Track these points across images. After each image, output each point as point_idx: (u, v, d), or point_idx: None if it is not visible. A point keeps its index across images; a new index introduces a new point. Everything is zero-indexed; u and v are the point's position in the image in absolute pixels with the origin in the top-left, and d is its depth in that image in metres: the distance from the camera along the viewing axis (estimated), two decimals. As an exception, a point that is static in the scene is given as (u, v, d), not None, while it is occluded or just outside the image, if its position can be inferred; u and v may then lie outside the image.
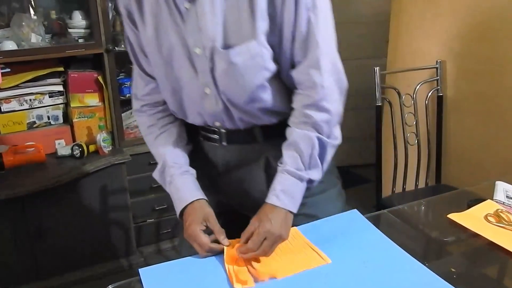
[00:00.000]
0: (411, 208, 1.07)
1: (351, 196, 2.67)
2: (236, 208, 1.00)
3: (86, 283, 1.87)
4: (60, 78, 1.85)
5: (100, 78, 1.85)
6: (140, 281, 0.75)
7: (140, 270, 0.77)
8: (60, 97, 1.87)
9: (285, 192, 0.82)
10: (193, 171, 0.93)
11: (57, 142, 1.87)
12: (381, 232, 0.87)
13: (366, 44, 2.71)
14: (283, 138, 0.87)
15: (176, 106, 0.92)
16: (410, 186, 1.79)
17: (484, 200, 1.02)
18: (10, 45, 1.74)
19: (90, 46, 1.82)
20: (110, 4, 1.83)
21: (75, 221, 1.83)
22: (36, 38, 1.78)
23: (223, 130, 0.90)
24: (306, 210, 0.90)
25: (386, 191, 1.85)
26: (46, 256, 1.80)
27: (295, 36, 0.80)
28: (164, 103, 0.94)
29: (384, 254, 0.80)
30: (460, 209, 0.98)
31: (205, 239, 0.82)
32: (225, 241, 0.82)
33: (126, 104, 1.94)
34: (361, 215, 0.93)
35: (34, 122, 1.86)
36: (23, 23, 1.77)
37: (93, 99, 1.88)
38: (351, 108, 2.84)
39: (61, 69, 1.85)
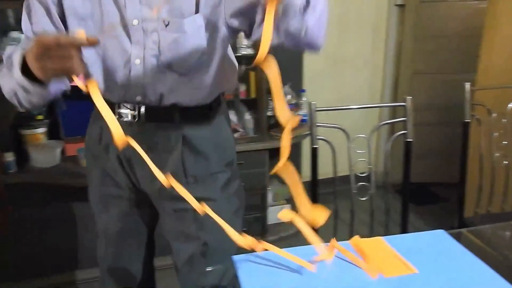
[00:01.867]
0: (495, 230, 1.03)
1: (429, 214, 2.59)
2: (146, 198, 1.00)
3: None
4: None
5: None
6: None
7: (234, 257, 0.82)
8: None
9: None
10: None
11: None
12: (469, 251, 0.84)
13: (454, 58, 2.62)
14: (201, 122, 0.92)
15: (99, 75, 0.90)
16: (494, 211, 1.70)
17: None
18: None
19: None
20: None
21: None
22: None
23: (142, 106, 0.90)
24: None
25: (467, 213, 1.78)
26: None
27: None
28: None
29: (471, 273, 0.78)
30: (551, 236, 0.94)
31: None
32: (80, 34, 0.70)
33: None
34: (448, 234, 0.90)
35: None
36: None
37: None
38: (434, 122, 2.77)
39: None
